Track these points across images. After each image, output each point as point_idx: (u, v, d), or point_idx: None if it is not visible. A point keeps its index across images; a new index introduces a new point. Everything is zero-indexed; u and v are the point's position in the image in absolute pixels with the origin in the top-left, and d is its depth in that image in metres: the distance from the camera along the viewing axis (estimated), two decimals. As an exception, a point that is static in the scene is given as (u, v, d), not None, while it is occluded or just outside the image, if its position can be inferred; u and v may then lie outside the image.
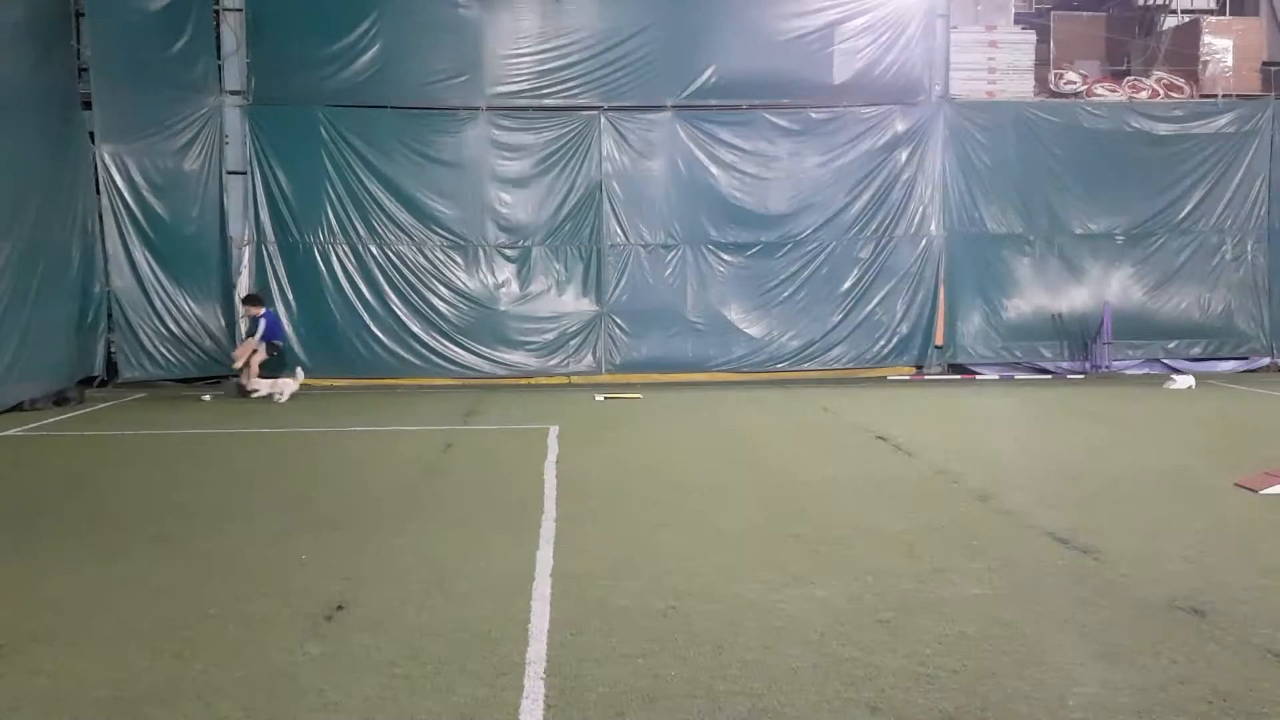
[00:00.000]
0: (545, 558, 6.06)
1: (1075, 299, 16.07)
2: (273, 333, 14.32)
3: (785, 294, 15.66)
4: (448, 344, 15.28)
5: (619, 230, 15.49)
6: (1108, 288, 16.05)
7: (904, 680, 4.27)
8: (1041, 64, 16.21)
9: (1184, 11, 17.29)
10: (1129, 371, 16.21)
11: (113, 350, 14.44)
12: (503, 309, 15.39)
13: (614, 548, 6.28)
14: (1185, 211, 16.06)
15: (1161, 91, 16.17)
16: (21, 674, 4.41)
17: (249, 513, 7.30)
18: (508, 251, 15.44)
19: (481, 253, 15.38)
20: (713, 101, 15.43)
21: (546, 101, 15.34)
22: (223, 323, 15.06)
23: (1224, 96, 16.11)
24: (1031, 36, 16.10)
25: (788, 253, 15.62)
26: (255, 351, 14.04)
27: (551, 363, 15.47)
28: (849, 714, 3.98)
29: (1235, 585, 5.48)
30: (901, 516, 7.03)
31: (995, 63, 15.86)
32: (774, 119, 15.50)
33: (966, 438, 10.44)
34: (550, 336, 15.46)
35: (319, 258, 15.16)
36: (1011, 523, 6.88)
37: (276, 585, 5.57)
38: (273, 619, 5.04)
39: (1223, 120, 16.02)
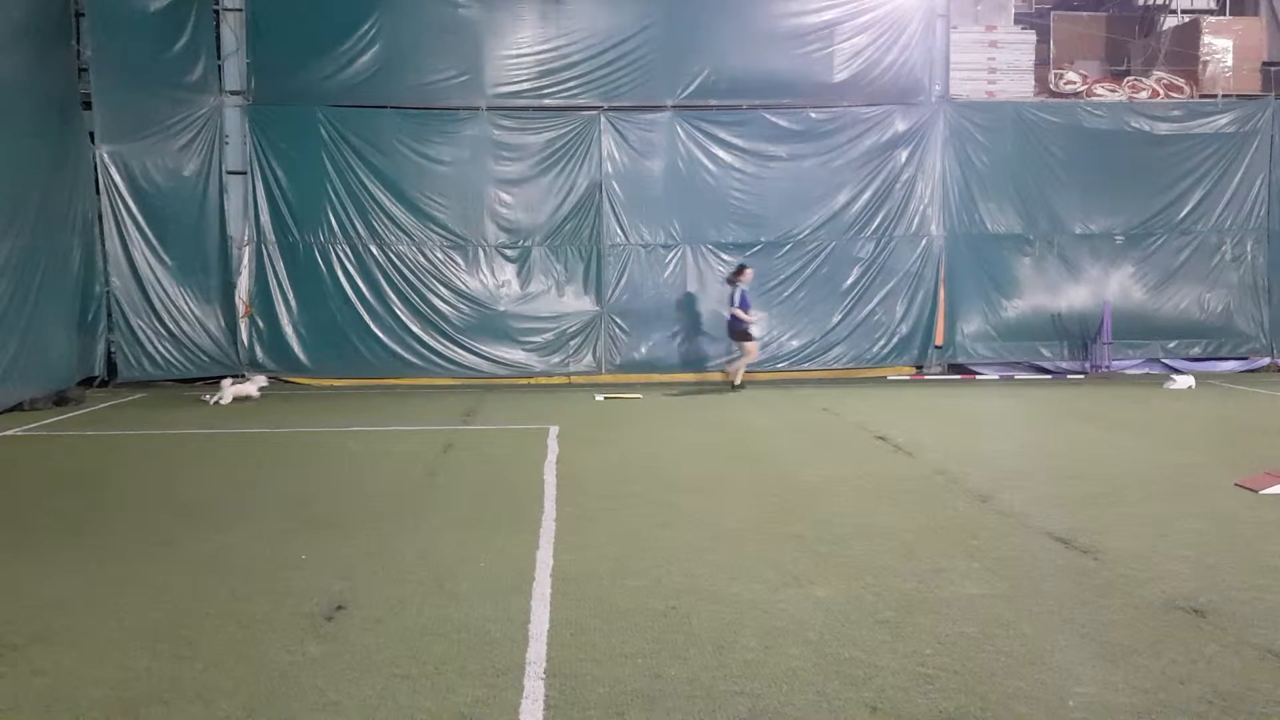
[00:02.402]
0: (545, 558, 6.06)
1: (1075, 299, 16.08)
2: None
3: (785, 294, 15.66)
4: (448, 344, 15.29)
5: (619, 230, 15.49)
6: (1107, 287, 16.06)
7: (904, 680, 4.27)
8: (1041, 64, 16.22)
9: (1184, 11, 17.30)
10: (1129, 371, 16.21)
11: (113, 350, 14.44)
12: (503, 309, 15.39)
13: (614, 548, 6.28)
14: (1185, 211, 16.07)
15: (1161, 91, 16.17)
16: (21, 674, 4.41)
17: (249, 513, 7.30)
18: (508, 251, 15.44)
19: (481, 253, 15.38)
20: (712, 101, 15.44)
21: (546, 101, 15.35)
22: (223, 323, 15.05)
23: (1224, 96, 16.11)
24: (1031, 36, 16.10)
25: (787, 253, 15.63)
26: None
27: (551, 363, 15.48)
28: (849, 714, 3.98)
29: (1235, 585, 5.48)
30: (901, 516, 7.03)
31: (995, 63, 15.88)
32: (774, 119, 15.51)
33: (966, 438, 10.44)
34: (550, 336, 15.47)
35: (319, 258, 15.17)
36: (1011, 523, 6.88)
37: (276, 585, 5.57)
38: (273, 619, 5.04)
39: (1223, 120, 16.02)
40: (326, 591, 5.44)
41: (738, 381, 14.45)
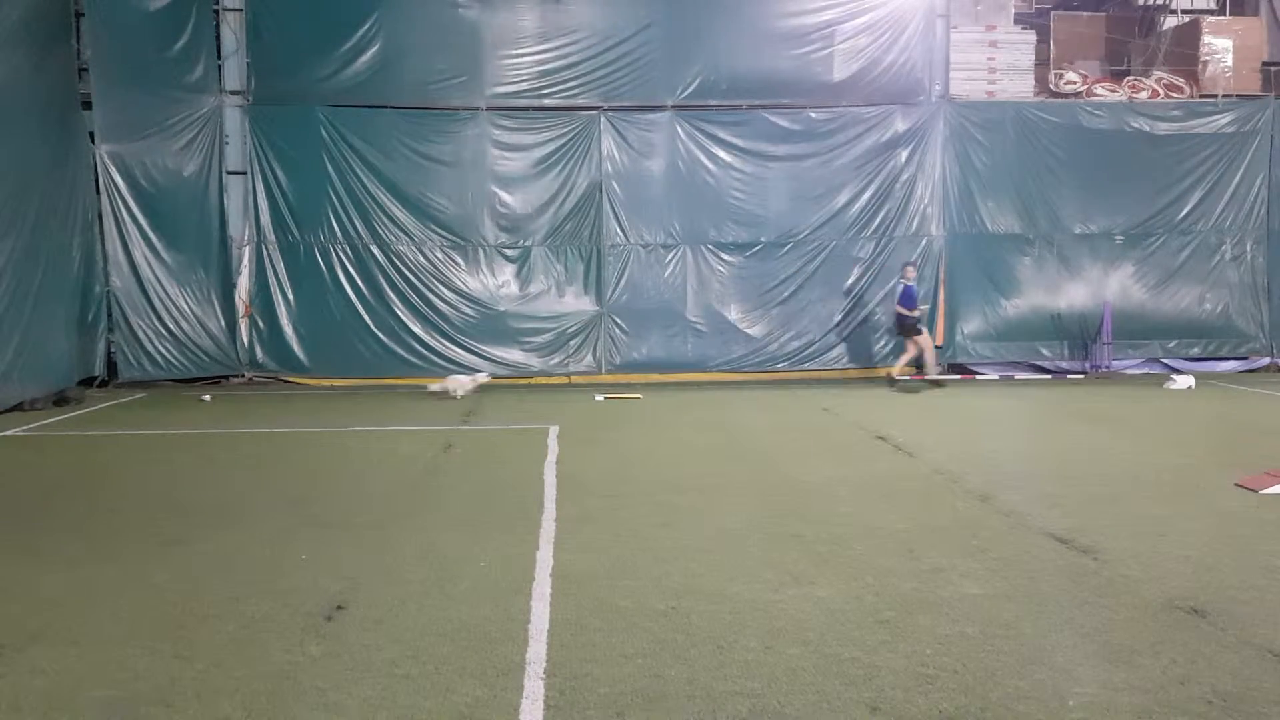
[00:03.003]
0: (545, 558, 6.06)
1: (1075, 299, 16.07)
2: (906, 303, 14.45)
3: (785, 294, 15.68)
4: (448, 344, 15.29)
5: (619, 230, 15.49)
6: (1107, 287, 16.05)
7: (904, 680, 4.27)
8: (1041, 64, 16.22)
9: (1184, 11, 17.29)
10: (1129, 371, 16.21)
11: (113, 350, 14.44)
12: (503, 309, 15.39)
13: (614, 548, 6.28)
14: (1185, 211, 16.07)
15: (1161, 91, 16.17)
16: (21, 674, 4.41)
17: (249, 513, 7.30)
18: (508, 251, 15.44)
19: (481, 253, 15.39)
20: (712, 101, 15.44)
21: (546, 101, 15.35)
22: (223, 323, 15.06)
23: (1224, 96, 16.11)
24: (1031, 36, 16.10)
25: (788, 253, 15.63)
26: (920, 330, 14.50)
27: (551, 363, 15.48)
28: (849, 714, 3.98)
29: (1235, 585, 5.48)
30: (901, 516, 7.03)
31: (995, 63, 15.88)
32: (774, 119, 15.51)
33: (966, 438, 10.44)
34: (550, 336, 15.47)
35: (319, 258, 15.18)
36: (1011, 523, 6.88)
37: (277, 585, 5.57)
38: (273, 619, 5.04)
39: (1223, 120, 16.02)
40: (326, 591, 5.44)
41: (932, 375, 14.62)
